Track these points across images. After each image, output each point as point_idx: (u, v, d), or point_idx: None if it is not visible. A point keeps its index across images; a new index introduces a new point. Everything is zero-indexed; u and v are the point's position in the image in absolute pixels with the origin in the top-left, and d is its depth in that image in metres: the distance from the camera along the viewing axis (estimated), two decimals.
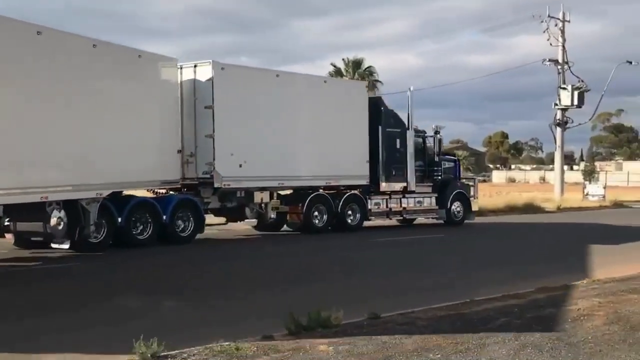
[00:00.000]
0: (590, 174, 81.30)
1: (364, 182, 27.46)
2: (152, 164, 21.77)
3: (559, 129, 49.89)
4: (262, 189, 24.92)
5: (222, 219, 25.45)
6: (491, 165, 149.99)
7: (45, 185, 17.46)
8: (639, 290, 12.91)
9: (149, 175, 21.76)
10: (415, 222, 30.61)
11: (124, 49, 20.95)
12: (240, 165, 23.71)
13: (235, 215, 25.23)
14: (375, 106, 28.13)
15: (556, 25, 48.92)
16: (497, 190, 58.90)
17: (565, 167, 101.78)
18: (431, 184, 30.06)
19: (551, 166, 76.07)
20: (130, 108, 20.90)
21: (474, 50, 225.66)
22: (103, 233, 20.49)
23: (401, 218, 29.26)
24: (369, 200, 27.61)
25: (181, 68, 23.16)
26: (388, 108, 28.89)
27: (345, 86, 28.26)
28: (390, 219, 28.89)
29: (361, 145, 27.40)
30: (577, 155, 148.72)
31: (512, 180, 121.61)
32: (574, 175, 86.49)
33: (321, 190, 26.69)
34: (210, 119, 23.10)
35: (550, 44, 48.75)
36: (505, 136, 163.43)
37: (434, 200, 29.86)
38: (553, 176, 57.61)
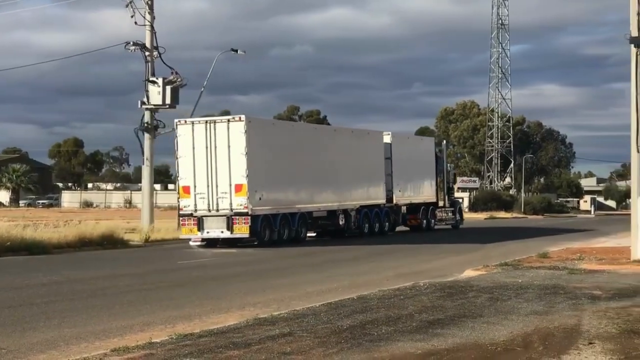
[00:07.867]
0: None
1: (434, 200, 46.93)
2: (373, 191, 40.41)
3: (147, 136, 39.08)
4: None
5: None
6: (61, 184, 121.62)
7: (333, 202, 37.12)
8: (240, 344, 10.58)
9: (372, 197, 40.42)
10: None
11: (361, 130, 41.16)
12: (400, 191, 42.29)
13: None
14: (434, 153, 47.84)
15: None
16: (67, 218, 47.15)
17: (158, 186, 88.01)
18: (450, 202, 49.76)
19: (139, 185, 58.75)
20: (364, 161, 39.81)
21: (42, 26, 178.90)
22: (366, 227, 39.28)
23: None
24: (435, 212, 47.00)
25: None
26: (438, 154, 48.40)
27: (425, 141, 48.84)
28: (443, 224, 48.07)
29: (433, 179, 46.81)
30: (174, 171, 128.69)
31: (88, 205, 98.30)
32: (171, 197, 70.05)
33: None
34: (390, 165, 41.88)
35: (136, 23, 37.16)
36: (80, 144, 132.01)
37: (451, 212, 49.67)
38: (140, 198, 45.92)
